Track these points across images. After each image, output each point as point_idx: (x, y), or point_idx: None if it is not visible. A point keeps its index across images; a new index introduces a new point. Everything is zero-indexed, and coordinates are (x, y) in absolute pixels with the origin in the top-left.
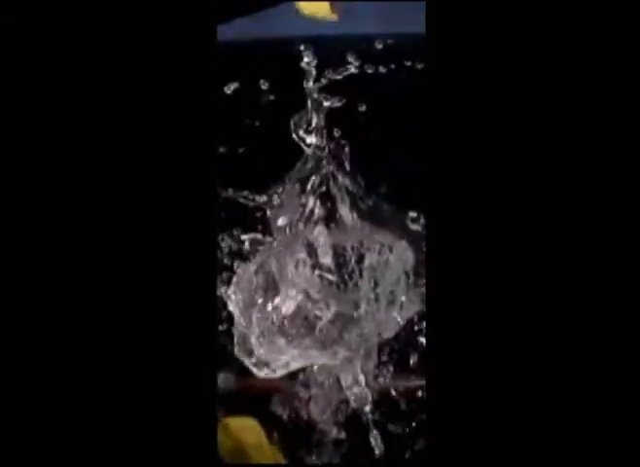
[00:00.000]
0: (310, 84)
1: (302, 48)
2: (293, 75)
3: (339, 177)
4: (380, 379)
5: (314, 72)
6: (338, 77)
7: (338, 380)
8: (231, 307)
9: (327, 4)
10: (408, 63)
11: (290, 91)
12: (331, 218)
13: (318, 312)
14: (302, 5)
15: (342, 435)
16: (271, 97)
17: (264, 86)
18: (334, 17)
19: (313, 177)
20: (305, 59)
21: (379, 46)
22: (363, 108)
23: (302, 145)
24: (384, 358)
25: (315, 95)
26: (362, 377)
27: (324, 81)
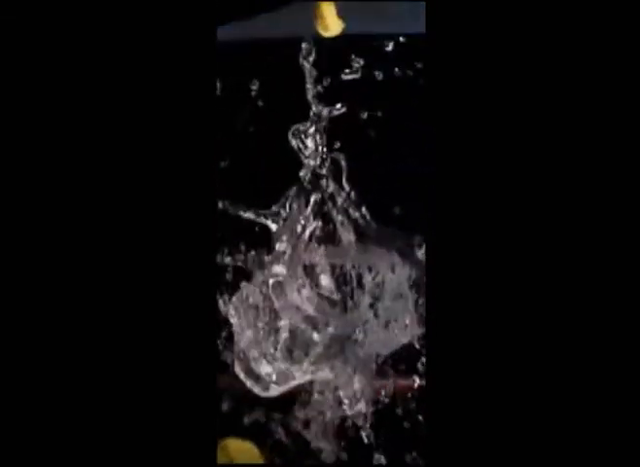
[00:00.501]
0: (311, 87)
1: (302, 48)
2: (293, 76)
3: (339, 195)
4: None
5: (315, 74)
6: (340, 78)
7: (338, 397)
8: (231, 321)
9: (338, 20)
10: (411, 64)
11: (291, 93)
12: (330, 238)
13: (317, 331)
14: (320, 27)
15: (342, 456)
16: (272, 100)
17: (262, 88)
18: (342, 27)
19: (313, 195)
20: (306, 61)
21: (381, 46)
22: (365, 115)
23: (303, 157)
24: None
25: (316, 100)
26: (360, 393)
27: (324, 84)
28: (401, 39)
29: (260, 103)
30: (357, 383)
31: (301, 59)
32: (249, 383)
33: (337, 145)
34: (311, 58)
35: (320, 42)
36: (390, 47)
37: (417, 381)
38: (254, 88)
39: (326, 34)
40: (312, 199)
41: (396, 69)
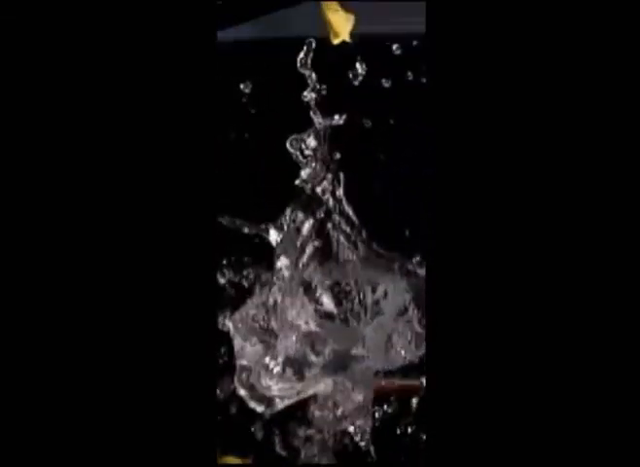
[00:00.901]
0: (311, 91)
1: (302, 50)
2: (291, 77)
3: (340, 210)
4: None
5: (315, 77)
6: (342, 82)
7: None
8: (231, 338)
9: (346, 27)
10: (414, 66)
11: (290, 98)
12: (331, 254)
13: (318, 347)
14: (330, 35)
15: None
16: (271, 105)
17: (261, 92)
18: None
19: (314, 210)
20: (305, 63)
21: (381, 46)
22: (368, 123)
23: (302, 169)
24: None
25: (315, 107)
26: (360, 408)
27: (325, 87)
28: (402, 40)
29: (259, 109)
30: (357, 399)
31: (300, 62)
32: (249, 400)
33: (338, 156)
34: (310, 60)
35: (322, 42)
36: (392, 47)
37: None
38: (248, 91)
39: (335, 41)
40: (313, 214)
41: (399, 72)
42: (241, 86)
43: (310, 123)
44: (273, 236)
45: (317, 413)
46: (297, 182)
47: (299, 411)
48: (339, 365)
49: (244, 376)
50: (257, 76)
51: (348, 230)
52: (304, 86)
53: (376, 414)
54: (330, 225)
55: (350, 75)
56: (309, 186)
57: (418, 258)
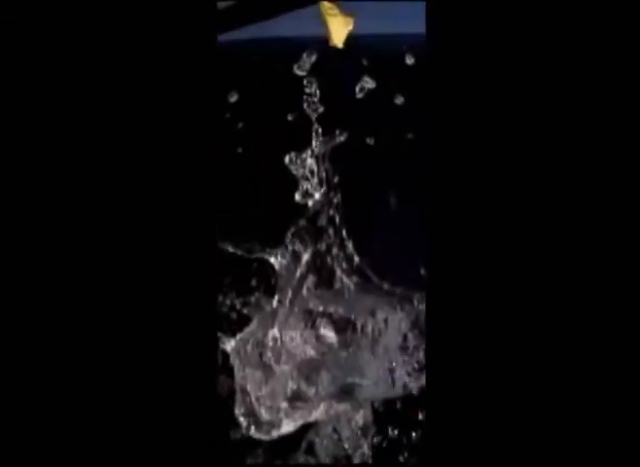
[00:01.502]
0: (310, 97)
1: (303, 54)
2: (291, 79)
3: (339, 240)
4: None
5: (314, 81)
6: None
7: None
8: (232, 363)
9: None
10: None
11: (291, 100)
12: (331, 283)
13: (318, 375)
14: (333, 38)
15: None
16: (272, 108)
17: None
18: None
19: (313, 239)
20: (303, 67)
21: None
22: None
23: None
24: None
25: (316, 116)
26: (362, 433)
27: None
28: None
29: (257, 112)
30: (358, 424)
31: (298, 66)
32: (249, 426)
33: (338, 174)
34: (309, 64)
35: (322, 42)
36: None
37: None
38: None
39: (333, 45)
40: (314, 243)
41: (400, 75)
42: (238, 89)
43: (309, 122)
44: (275, 263)
45: (317, 439)
46: (297, 197)
47: (299, 436)
48: (339, 392)
49: (244, 401)
50: (255, 77)
51: (348, 259)
52: (303, 87)
53: (376, 439)
54: (330, 254)
55: (350, 79)
56: (309, 204)
57: (419, 286)
